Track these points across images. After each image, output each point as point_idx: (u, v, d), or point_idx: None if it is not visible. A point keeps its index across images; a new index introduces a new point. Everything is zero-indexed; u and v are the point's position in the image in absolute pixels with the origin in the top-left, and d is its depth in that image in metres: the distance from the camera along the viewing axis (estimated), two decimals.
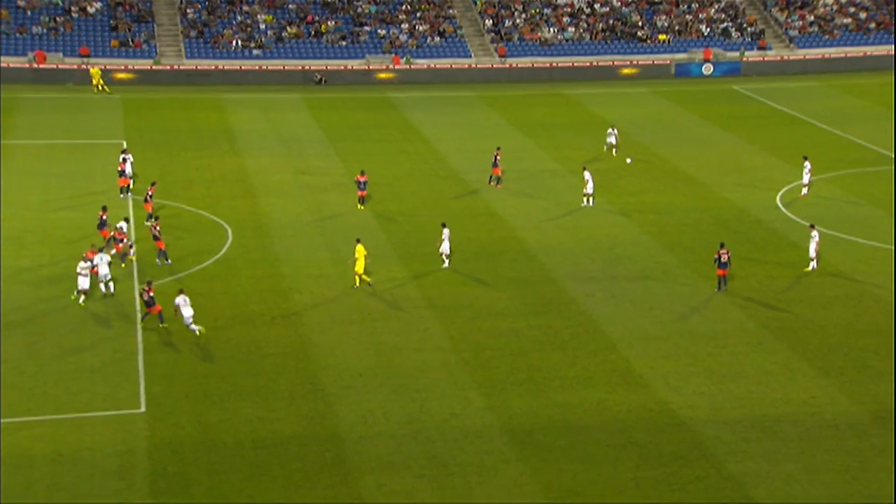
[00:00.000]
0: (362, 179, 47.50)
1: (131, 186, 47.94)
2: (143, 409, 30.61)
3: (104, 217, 42.04)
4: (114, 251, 40.02)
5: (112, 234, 40.65)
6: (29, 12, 73.31)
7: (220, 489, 27.24)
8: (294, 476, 27.92)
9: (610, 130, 57.24)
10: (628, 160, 54.46)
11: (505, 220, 47.12)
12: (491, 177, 50.97)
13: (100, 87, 67.10)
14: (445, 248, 41.17)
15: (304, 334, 35.85)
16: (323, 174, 53.34)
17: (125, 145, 55.93)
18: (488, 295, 39.20)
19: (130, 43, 73.25)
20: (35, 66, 69.18)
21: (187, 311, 34.89)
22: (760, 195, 50.58)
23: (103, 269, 37.51)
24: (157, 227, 40.97)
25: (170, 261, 40.62)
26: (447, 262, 41.30)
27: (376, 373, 33.35)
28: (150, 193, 44.40)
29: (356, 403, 31.50)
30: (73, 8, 74.45)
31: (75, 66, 69.66)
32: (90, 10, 74.79)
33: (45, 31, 72.34)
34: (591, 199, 48.48)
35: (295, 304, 38.04)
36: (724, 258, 39.13)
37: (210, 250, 42.68)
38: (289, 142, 58.74)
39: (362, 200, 47.51)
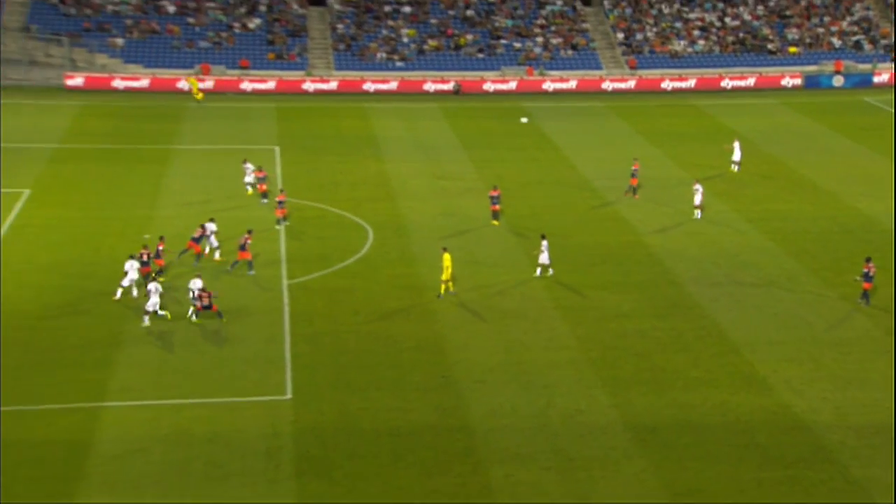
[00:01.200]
0: (495, 194, 45.97)
1: (252, 193, 48.53)
2: (289, 395, 31.17)
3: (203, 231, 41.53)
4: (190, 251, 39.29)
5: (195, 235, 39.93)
6: (197, 28, 75.77)
7: (359, 473, 27.51)
8: (427, 463, 27.99)
9: (735, 143, 55.61)
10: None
11: (632, 226, 46.34)
12: (628, 187, 49.96)
13: (196, 95, 68.36)
14: (544, 258, 39.86)
15: (438, 330, 35.94)
16: (457, 179, 53.45)
17: (278, 150, 57.21)
18: (614, 297, 38.60)
19: (285, 56, 74.92)
20: (201, 77, 71.36)
21: (154, 299, 35.07)
22: (889, 205, 48.47)
23: (132, 274, 36.95)
24: (249, 241, 40.00)
25: (228, 268, 39.95)
26: (539, 271, 39.99)
27: (505, 369, 33.19)
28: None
29: (486, 397, 31.41)
30: (235, 24, 76.60)
31: (182, 78, 70.93)
32: (250, 25, 76.83)
33: (210, 45, 74.61)
34: (699, 210, 47.01)
35: (430, 301, 38.17)
36: (872, 272, 37.44)
37: (352, 249, 43.21)
38: (426, 148, 59.10)
39: (496, 215, 45.91)
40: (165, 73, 71.64)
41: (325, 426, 29.63)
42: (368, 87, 72.72)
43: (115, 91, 68.56)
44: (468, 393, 31.65)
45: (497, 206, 46.03)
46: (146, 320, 35.30)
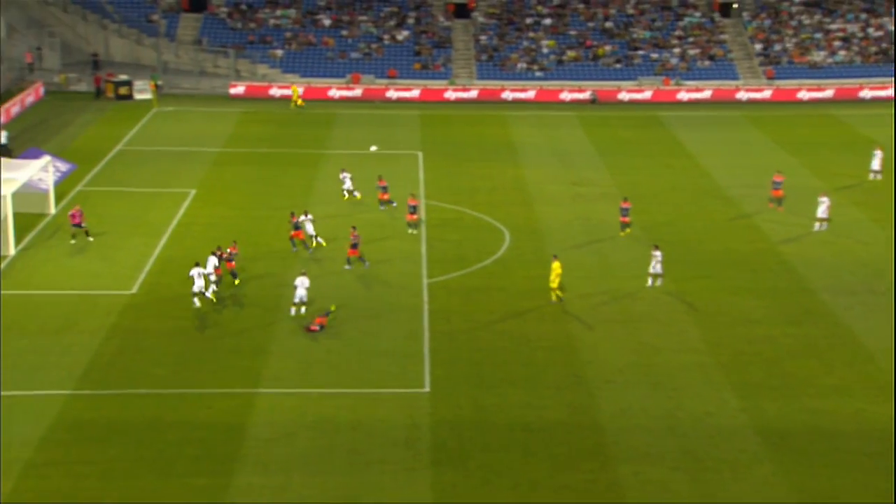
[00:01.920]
0: (626, 206, 44.77)
1: (352, 197, 48.66)
2: (427, 389, 31.54)
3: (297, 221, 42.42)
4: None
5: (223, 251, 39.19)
6: (350, 40, 77.44)
7: (493, 466, 27.61)
8: (558, 459, 27.89)
9: (875, 152, 53.33)
10: None
11: (765, 233, 45.02)
12: (772, 198, 48.40)
13: (297, 103, 69.27)
14: (657, 268, 38.82)
15: (571, 331, 35.74)
16: (592, 185, 52.96)
17: (420, 156, 57.90)
18: (745, 303, 37.59)
19: (430, 66, 75.80)
20: (352, 86, 72.83)
21: (199, 282, 35.94)
22: None
23: (200, 281, 36.82)
24: (357, 236, 40.40)
25: (355, 264, 40.41)
26: (651, 281, 38.88)
27: (635, 370, 32.76)
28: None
29: (616, 397, 31.07)
30: (385, 36, 77.96)
31: (287, 86, 71.81)
32: (399, 37, 78.03)
33: (361, 56, 76.13)
34: (824, 223, 45.10)
35: (564, 302, 37.97)
36: None
37: (489, 251, 43.37)
38: (563, 155, 58.78)
39: (624, 227, 44.87)
40: (319, 83, 73.44)
41: (460, 419, 29.84)
42: (507, 95, 72.81)
43: (272, 99, 70.65)
44: (598, 392, 31.38)
45: (627, 219, 44.82)
46: (196, 302, 36.53)
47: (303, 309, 36.28)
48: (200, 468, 27.24)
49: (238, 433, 28.84)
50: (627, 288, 39.04)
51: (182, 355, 33.37)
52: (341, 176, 49.70)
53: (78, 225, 42.64)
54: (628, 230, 44.87)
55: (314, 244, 42.39)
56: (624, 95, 73.23)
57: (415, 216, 44.65)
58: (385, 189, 48.24)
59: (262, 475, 27.04)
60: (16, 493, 25.88)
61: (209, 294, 37.30)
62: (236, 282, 38.72)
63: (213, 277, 37.74)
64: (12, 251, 41.31)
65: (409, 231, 44.50)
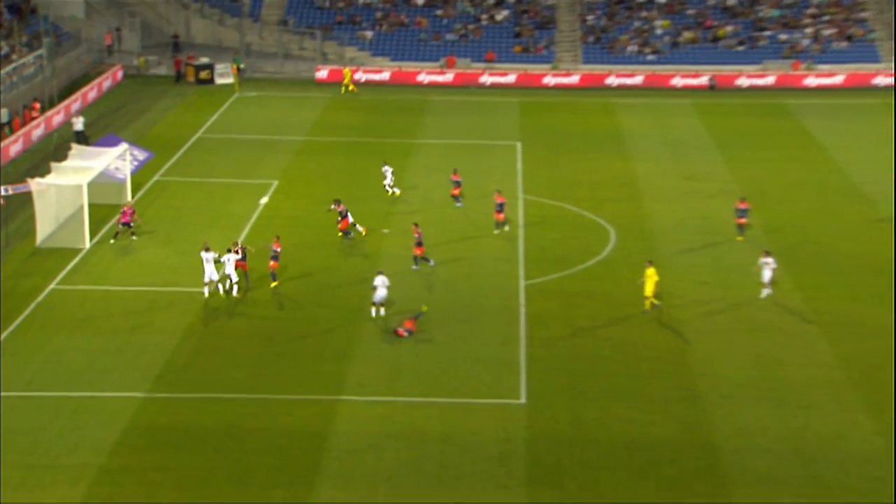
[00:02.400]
0: (743, 207, 43.78)
1: (392, 194, 48.73)
2: (523, 400, 31.47)
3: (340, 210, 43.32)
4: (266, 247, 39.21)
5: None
6: (444, 21, 77.65)
7: (594, 485, 27.42)
8: (667, 480, 27.53)
9: None
10: None
11: None
12: None
13: (348, 88, 69.26)
14: (766, 276, 37.66)
15: (682, 340, 35.25)
16: (709, 180, 52.12)
17: (519, 146, 57.78)
18: (880, 313, 36.54)
19: (532, 49, 75.54)
20: (443, 70, 73.11)
21: (209, 268, 36.80)
22: None
23: (228, 268, 37.73)
24: (420, 233, 40.47)
25: (429, 263, 40.61)
26: (765, 291, 37.88)
27: (756, 385, 32.13)
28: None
29: (733, 414, 30.52)
30: (483, 16, 77.93)
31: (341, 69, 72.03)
32: (498, 17, 77.90)
33: (456, 37, 76.26)
34: None
35: (674, 308, 37.49)
36: None
37: (592, 251, 43.05)
38: (676, 146, 57.98)
39: (741, 229, 43.80)
40: (411, 66, 73.84)
41: (558, 434, 29.71)
42: (612, 81, 72.16)
43: (358, 84, 71.38)
44: (713, 408, 30.88)
45: (744, 220, 43.81)
46: (206, 291, 37.49)
47: (382, 310, 36.55)
48: (279, 479, 27.70)
49: (319, 443, 29.23)
50: (746, 295, 38.31)
51: (261, 358, 33.97)
52: (383, 169, 49.49)
53: (127, 224, 43.32)
54: (741, 238, 43.70)
55: (357, 233, 43.22)
56: (743, 81, 71.87)
57: (501, 215, 44.49)
58: (458, 184, 48.04)
59: (344, 489, 27.36)
60: (88, 500, 26.68)
61: (223, 290, 37.93)
62: (273, 284, 38.70)
63: (234, 277, 38.10)
64: (87, 244, 42.66)
65: (495, 231, 44.38)
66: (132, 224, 43.51)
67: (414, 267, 40.59)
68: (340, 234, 43.95)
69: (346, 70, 70.33)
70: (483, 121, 63.51)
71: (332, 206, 44.29)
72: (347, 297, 38.63)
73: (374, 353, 34.40)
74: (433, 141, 59.34)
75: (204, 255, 38.13)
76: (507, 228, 44.51)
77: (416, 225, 41.08)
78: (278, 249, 39.29)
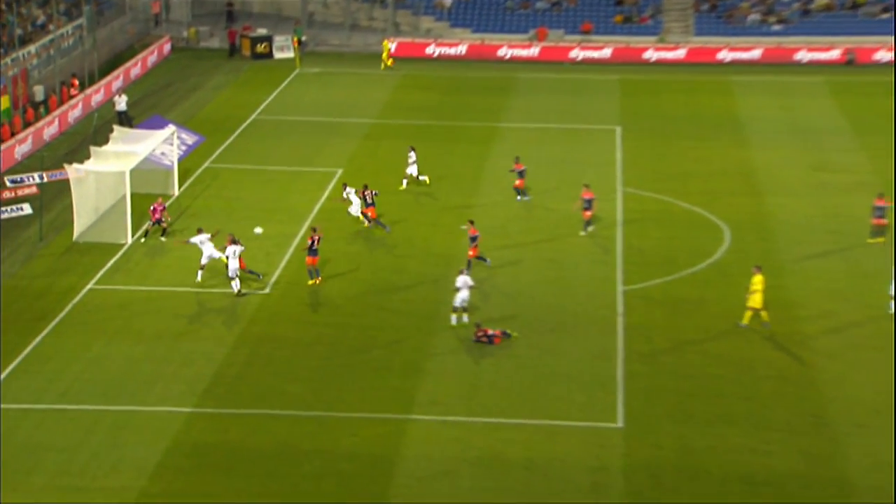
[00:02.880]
0: (881, 205, 42.77)
1: (418, 182, 48.80)
2: (620, 424, 31.27)
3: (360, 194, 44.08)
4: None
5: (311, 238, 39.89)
6: None
7: None
8: None
9: None
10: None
11: None
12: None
13: (386, 64, 68.96)
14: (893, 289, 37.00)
15: (808, 357, 34.74)
16: (843, 171, 51.25)
17: (619, 131, 57.42)
18: None
19: (635, 18, 74.92)
20: (528, 44, 72.95)
21: (234, 264, 37.83)
22: None
23: (233, 264, 38.61)
24: (475, 232, 40.21)
25: (485, 262, 40.53)
26: (894, 305, 37.18)
27: None
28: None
29: (870, 446, 30.01)
30: None
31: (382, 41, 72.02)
32: None
33: (548, 6, 75.93)
34: None
35: (798, 320, 36.97)
36: None
37: (703, 252, 42.64)
38: (804, 132, 57.13)
39: (880, 231, 42.78)
40: (495, 39, 73.76)
41: (661, 463, 29.47)
42: (724, 56, 71.29)
43: (432, 59, 71.59)
44: (845, 438, 30.37)
45: (883, 220, 42.96)
46: (236, 285, 38.55)
47: (465, 317, 36.62)
48: None
49: (387, 468, 29.39)
50: (887, 307, 37.55)
51: (322, 371, 34.26)
52: (409, 154, 49.45)
53: (158, 221, 43.88)
54: (882, 238, 42.93)
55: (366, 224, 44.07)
56: (881, 55, 70.43)
57: (589, 212, 44.20)
58: (522, 174, 47.87)
59: None
60: None
61: (236, 287, 38.69)
62: (310, 281, 39.51)
63: (234, 270, 38.74)
64: (129, 239, 43.47)
65: (581, 233, 44.12)
66: (163, 221, 44.00)
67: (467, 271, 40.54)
68: (364, 220, 44.34)
69: (385, 42, 70.50)
70: (577, 102, 63.25)
71: (345, 195, 44.89)
72: (418, 302, 38.80)
73: (450, 367, 34.48)
74: (519, 125, 59.26)
75: (230, 248, 38.87)
76: (591, 229, 44.19)
77: (472, 222, 40.98)
78: (312, 242, 39.63)
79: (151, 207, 44.18)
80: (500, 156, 53.65)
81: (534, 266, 41.77)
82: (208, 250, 39.87)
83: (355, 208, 45.05)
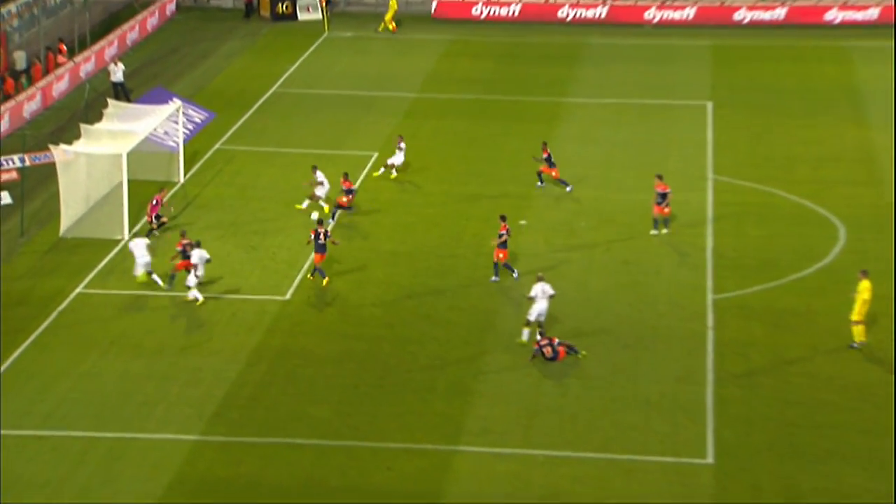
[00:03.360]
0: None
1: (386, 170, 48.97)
2: (710, 459, 31.14)
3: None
4: None
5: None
6: None
7: None
8: None
9: None
10: None
11: None
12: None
13: (387, 27, 68.70)
14: None
15: None
16: None
17: (710, 107, 57.12)
18: None
19: None
20: (594, 3, 72.62)
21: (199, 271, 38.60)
22: None
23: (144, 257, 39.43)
24: (507, 230, 40.27)
25: (513, 274, 40.48)
26: None
27: None
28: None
29: None
30: None
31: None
32: None
33: None
34: None
35: (863, 347, 36.58)
36: None
37: (813, 254, 42.46)
38: None
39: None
40: None
41: None
42: (833, 16, 70.63)
43: (479, 22, 71.49)
44: None
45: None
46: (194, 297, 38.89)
47: (539, 333, 36.53)
48: None
49: None
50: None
51: (352, 391, 34.33)
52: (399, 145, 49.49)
53: (156, 217, 44.24)
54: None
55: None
56: None
57: (666, 209, 43.97)
58: (549, 161, 47.74)
59: None
60: None
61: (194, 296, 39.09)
62: (316, 278, 39.85)
63: (193, 277, 39.16)
64: (126, 234, 43.79)
65: (652, 232, 43.91)
66: (162, 216, 44.33)
67: (494, 278, 40.53)
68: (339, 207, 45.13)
69: (393, 2, 70.31)
70: (660, 73, 63.00)
71: (315, 179, 45.56)
72: (468, 311, 38.85)
73: (505, 388, 34.45)
74: (588, 100, 59.12)
75: (197, 252, 39.32)
76: (665, 231, 43.93)
77: (504, 219, 40.82)
78: (316, 236, 40.09)
79: (153, 201, 44.46)
80: (566, 137, 53.56)
81: (605, 269, 41.68)
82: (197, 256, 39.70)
83: (322, 190, 45.51)
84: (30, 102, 55.90)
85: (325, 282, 40.23)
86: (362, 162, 50.68)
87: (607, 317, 38.41)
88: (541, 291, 36.54)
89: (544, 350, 35.32)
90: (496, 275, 40.50)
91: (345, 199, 45.07)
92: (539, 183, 48.08)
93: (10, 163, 44.72)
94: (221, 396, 33.97)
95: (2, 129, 52.83)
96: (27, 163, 44.95)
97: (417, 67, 64.02)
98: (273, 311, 38.95)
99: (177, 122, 50.03)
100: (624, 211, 46.01)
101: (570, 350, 35.68)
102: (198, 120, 54.91)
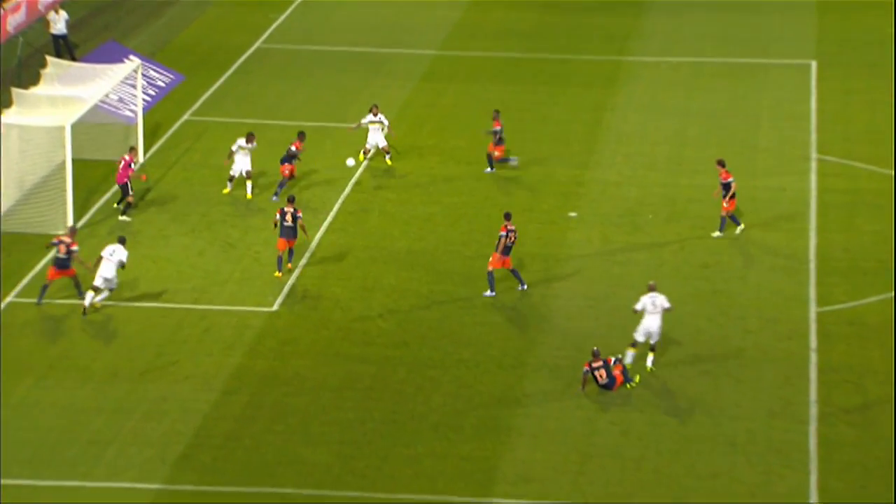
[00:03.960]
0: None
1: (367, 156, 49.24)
2: None
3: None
4: None
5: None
6: None
7: None
8: None
9: None
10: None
11: None
12: None
13: None
14: None
15: None
16: None
17: (814, 67, 56.97)
18: None
19: None
20: None
21: (108, 272, 39.01)
22: None
23: (107, 271, 39.36)
24: (510, 232, 40.17)
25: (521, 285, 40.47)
26: None
27: None
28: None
29: None
30: None
31: None
32: None
33: None
34: None
35: None
36: None
37: None
38: None
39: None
40: None
41: None
42: None
43: None
44: None
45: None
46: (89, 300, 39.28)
47: (649, 359, 36.30)
48: None
49: None
50: None
51: (357, 429, 34.24)
52: (377, 118, 49.25)
53: (123, 185, 44.62)
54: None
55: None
56: None
57: (731, 203, 43.90)
58: (497, 136, 48.11)
59: None
60: None
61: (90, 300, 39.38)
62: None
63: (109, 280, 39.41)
64: (70, 224, 43.77)
65: (714, 234, 43.87)
66: (129, 189, 44.60)
67: (488, 293, 40.52)
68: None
69: None
70: (748, 23, 62.86)
71: (238, 147, 46.32)
72: (502, 326, 38.85)
73: (549, 426, 34.35)
74: (657, 58, 59.06)
75: (110, 249, 39.48)
76: (739, 229, 43.90)
77: (509, 217, 40.71)
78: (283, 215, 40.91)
79: (121, 163, 44.67)
80: (627, 106, 53.62)
81: (678, 274, 41.72)
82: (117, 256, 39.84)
83: (241, 166, 46.09)
84: None
85: (279, 274, 40.92)
86: (363, 138, 50.61)
87: (681, 334, 38.29)
88: (650, 303, 36.28)
89: (597, 374, 35.19)
90: (491, 288, 40.48)
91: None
92: (488, 168, 48.31)
93: None
94: (191, 434, 33.85)
95: None
96: None
97: (440, 17, 64.05)
98: (256, 325, 38.93)
99: (135, 87, 50.06)
100: (701, 200, 45.89)
101: (626, 378, 35.52)
102: (161, 84, 54.96)
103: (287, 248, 40.99)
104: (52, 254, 40.25)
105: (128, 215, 44.47)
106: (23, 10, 61.34)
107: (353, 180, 47.50)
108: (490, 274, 40.37)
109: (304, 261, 41.86)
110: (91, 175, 45.67)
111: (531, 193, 45.97)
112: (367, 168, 48.18)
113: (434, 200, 46.20)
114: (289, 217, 40.64)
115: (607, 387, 35.28)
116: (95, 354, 37.46)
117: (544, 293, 39.97)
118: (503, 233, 40.17)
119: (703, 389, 35.84)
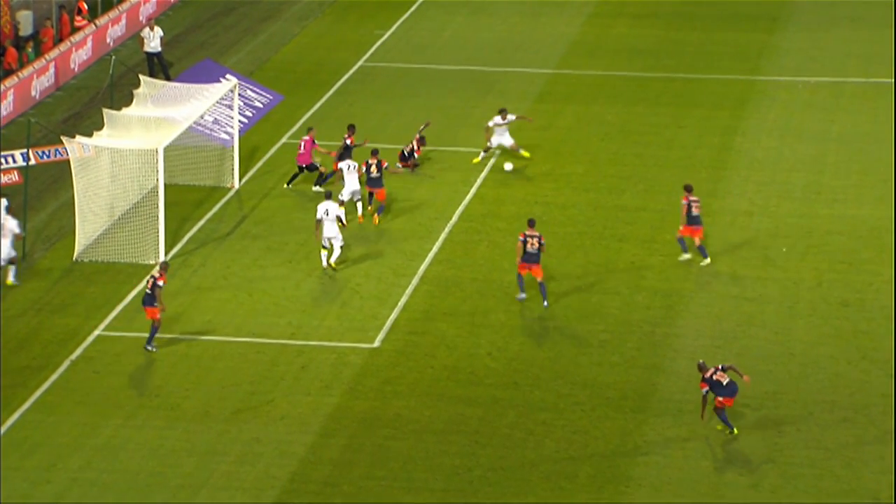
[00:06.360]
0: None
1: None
2: None
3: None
4: None
5: None
6: None
7: None
8: None
9: None
10: None
11: None
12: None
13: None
14: None
15: None
16: None
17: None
18: None
19: None
20: None
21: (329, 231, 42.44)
22: None
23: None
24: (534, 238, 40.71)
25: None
26: None
27: None
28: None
29: None
30: None
31: None
32: None
33: None
34: None
35: None
36: None
37: None
38: None
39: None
40: None
41: None
42: None
43: None
44: None
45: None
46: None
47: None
48: None
49: None
50: None
51: (463, 476, 34.09)
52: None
53: (310, 165, 48.17)
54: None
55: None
56: None
57: (687, 229, 43.60)
58: (421, 142, 50.04)
59: None
60: None
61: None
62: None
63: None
64: (162, 256, 43.97)
65: (682, 257, 43.39)
66: (315, 164, 47.78)
67: (520, 296, 41.28)
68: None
69: None
70: (892, 40, 62.22)
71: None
72: (622, 367, 38.71)
73: (672, 475, 34.09)
74: (793, 78, 58.60)
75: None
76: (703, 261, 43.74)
77: (532, 224, 41.53)
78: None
79: (301, 147, 48.13)
80: (759, 129, 53.29)
81: (816, 313, 41.37)
82: None
83: (350, 187, 46.38)
84: (38, 79, 56.50)
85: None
86: (478, 164, 50.59)
87: (818, 379, 37.99)
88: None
89: (716, 377, 34.91)
90: (522, 290, 41.55)
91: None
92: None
93: (10, 160, 44.96)
94: (286, 479, 33.93)
95: (1, 114, 53.28)
96: (32, 160, 45.37)
97: (556, 33, 64.01)
98: (356, 362, 38.98)
99: (231, 107, 50.34)
100: (841, 232, 45.51)
101: (726, 426, 35.12)
102: (259, 104, 55.19)
103: (370, 194, 45.13)
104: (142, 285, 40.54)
105: (322, 187, 47.06)
106: (122, 22, 62.04)
107: (461, 208, 47.41)
108: (519, 276, 41.45)
109: (407, 293, 41.81)
110: (184, 201, 45.91)
111: (652, 223, 45.64)
112: (476, 195, 48.05)
113: (546, 230, 45.88)
114: (374, 168, 44.87)
115: (730, 391, 34.93)
116: (186, 392, 37.62)
117: (667, 332, 39.69)
118: (521, 238, 41.04)
119: (843, 439, 35.42)
